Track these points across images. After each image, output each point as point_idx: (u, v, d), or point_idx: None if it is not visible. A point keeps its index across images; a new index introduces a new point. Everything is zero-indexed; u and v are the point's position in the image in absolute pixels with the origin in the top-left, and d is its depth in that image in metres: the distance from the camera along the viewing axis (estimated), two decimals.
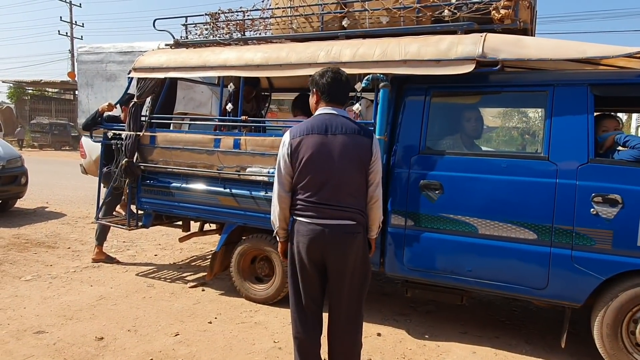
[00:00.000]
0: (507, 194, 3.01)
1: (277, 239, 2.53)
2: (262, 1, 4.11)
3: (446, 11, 3.36)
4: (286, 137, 2.38)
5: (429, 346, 3.26)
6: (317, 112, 2.42)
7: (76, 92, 27.11)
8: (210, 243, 5.86)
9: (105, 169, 4.75)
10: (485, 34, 3.14)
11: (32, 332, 3.23)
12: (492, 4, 3.24)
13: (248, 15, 4.22)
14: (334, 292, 2.40)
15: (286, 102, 7.34)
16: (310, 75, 2.51)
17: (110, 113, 4.75)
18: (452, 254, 3.18)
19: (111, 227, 4.87)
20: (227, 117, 3.95)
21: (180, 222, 4.85)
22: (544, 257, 2.91)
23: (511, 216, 2.99)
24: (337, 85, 2.39)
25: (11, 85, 28.46)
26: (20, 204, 7.71)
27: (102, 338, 3.18)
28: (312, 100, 2.48)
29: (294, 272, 2.44)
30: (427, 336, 3.40)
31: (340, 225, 2.30)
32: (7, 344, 3.06)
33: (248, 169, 3.76)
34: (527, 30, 3.45)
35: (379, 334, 3.40)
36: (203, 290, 4.21)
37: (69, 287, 4.16)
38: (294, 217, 2.38)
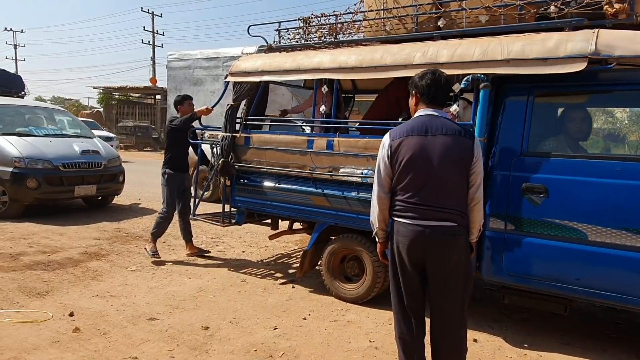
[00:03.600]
0: (622, 199, 2.83)
1: (376, 239, 2.56)
2: (355, 4, 4.17)
3: (552, 7, 3.23)
4: (386, 139, 2.40)
5: (530, 356, 3.14)
6: (416, 114, 2.42)
7: (157, 97, 28.94)
8: (293, 242, 6.02)
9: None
10: (597, 29, 2.98)
11: (146, 319, 3.50)
12: None
13: (340, 19, 4.29)
14: (435, 294, 2.37)
15: (364, 104, 7.42)
16: (407, 77, 2.51)
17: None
18: (557, 261, 3.04)
19: (192, 225, 5.26)
20: (322, 119, 4.03)
21: (269, 220, 5.02)
22: None
23: (626, 223, 2.81)
24: (436, 86, 2.38)
25: (101, 91, 30.88)
26: (116, 200, 8.35)
27: (207, 327, 3.38)
28: (412, 102, 2.49)
29: (395, 273, 2.45)
30: (526, 345, 3.28)
31: (441, 227, 2.28)
32: (126, 328, 3.34)
33: (341, 170, 3.82)
34: None
35: (475, 340, 3.32)
36: (293, 287, 4.33)
37: (170, 278, 4.46)
38: (394, 218, 2.39)
